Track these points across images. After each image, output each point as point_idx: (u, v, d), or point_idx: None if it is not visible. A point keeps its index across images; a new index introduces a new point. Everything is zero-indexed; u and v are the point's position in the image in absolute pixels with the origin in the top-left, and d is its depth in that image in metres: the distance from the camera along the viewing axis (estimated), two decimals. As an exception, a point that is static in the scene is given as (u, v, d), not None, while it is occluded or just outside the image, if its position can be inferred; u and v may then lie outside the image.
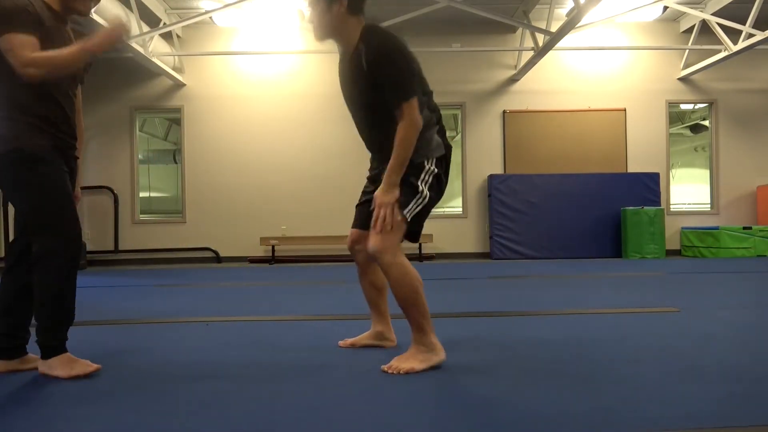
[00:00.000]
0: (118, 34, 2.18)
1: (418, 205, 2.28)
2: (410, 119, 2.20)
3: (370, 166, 2.57)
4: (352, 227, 2.59)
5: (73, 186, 2.33)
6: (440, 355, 2.24)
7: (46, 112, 2.21)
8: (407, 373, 2.14)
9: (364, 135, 2.49)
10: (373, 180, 2.48)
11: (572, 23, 6.55)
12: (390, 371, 2.17)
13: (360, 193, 2.59)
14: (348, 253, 2.64)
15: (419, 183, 2.28)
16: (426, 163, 2.30)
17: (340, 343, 2.71)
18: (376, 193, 2.25)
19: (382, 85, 2.23)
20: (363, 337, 2.69)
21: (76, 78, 2.36)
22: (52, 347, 2.19)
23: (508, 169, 8.86)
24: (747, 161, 9.06)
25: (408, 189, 2.26)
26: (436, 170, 2.31)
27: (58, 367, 2.17)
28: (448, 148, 2.39)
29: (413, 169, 2.27)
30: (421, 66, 2.34)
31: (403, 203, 2.25)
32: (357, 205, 2.58)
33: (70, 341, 2.26)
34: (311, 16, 2.32)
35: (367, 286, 2.63)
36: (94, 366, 2.22)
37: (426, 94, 2.34)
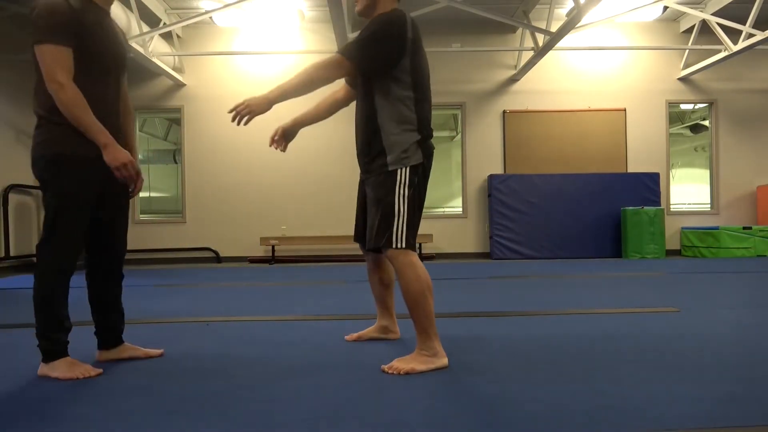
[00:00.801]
0: (130, 172, 2.20)
1: (402, 224, 2.23)
2: (329, 63, 2.22)
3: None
4: (356, 240, 2.63)
5: (113, 186, 2.28)
6: (443, 361, 2.24)
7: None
8: (407, 373, 2.15)
9: (355, 120, 2.46)
10: (363, 180, 2.47)
11: (572, 23, 6.55)
12: (390, 371, 2.17)
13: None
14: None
15: (395, 199, 2.24)
16: (399, 173, 2.26)
17: (347, 337, 2.81)
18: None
19: None
20: (369, 331, 2.79)
21: (121, 76, 2.34)
22: (52, 351, 2.19)
23: (508, 169, 8.87)
24: (747, 161, 9.07)
25: (387, 210, 2.24)
26: (408, 180, 2.25)
27: (57, 369, 2.17)
28: (428, 157, 2.34)
29: (387, 182, 2.25)
30: (424, 67, 2.33)
31: (384, 228, 2.22)
32: (357, 211, 2.60)
33: (71, 341, 2.26)
34: None
35: (376, 282, 2.72)
36: (96, 370, 2.22)
37: (418, 93, 2.30)
